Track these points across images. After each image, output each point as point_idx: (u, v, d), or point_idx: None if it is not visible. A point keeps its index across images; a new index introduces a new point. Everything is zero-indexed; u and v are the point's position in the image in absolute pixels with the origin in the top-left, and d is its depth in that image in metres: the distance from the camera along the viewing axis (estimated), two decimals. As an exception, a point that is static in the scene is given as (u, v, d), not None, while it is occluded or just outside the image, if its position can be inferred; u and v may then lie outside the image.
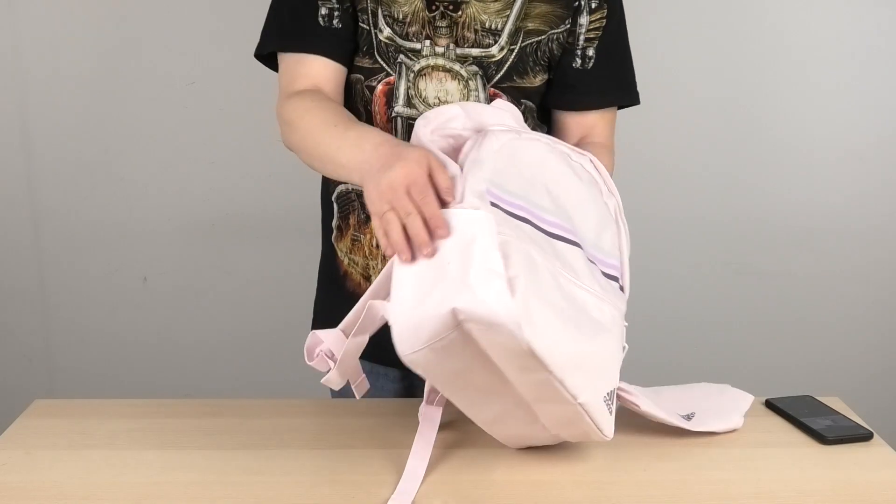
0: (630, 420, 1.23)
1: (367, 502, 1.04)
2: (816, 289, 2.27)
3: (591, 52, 1.33)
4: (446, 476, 1.08)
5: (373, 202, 1.02)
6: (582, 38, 1.32)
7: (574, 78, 1.33)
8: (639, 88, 1.37)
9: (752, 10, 2.14)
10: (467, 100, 1.29)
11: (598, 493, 1.06)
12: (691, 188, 2.20)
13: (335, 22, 1.27)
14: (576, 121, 1.35)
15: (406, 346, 0.95)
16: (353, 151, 1.10)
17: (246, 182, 2.16)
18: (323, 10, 1.27)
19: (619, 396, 1.12)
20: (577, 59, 1.32)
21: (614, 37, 1.34)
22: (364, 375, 1.10)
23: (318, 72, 1.27)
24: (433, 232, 0.97)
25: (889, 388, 2.30)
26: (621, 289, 1.12)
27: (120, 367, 2.24)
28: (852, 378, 2.25)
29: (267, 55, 1.32)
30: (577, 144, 1.29)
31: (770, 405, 1.29)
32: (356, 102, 1.32)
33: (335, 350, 1.04)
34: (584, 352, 1.00)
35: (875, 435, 1.20)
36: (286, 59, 1.28)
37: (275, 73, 1.32)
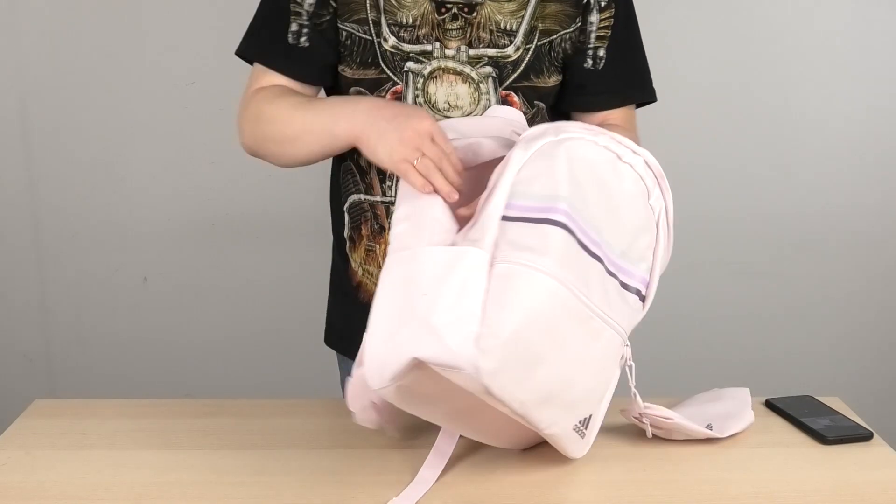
0: (630, 420, 1.23)
1: (368, 502, 1.04)
2: (817, 289, 2.27)
3: (602, 51, 1.32)
4: (446, 476, 1.08)
5: (396, 150, 1.08)
6: (593, 36, 1.31)
7: (586, 78, 1.32)
8: None
9: (752, 11, 2.14)
10: (478, 103, 1.28)
11: (598, 493, 1.06)
12: (691, 188, 2.20)
13: (303, 40, 1.28)
14: (594, 122, 1.33)
15: (374, 383, 0.97)
16: (346, 115, 1.16)
17: (246, 182, 2.16)
18: (293, 27, 1.27)
19: (650, 416, 1.13)
20: (589, 59, 1.32)
21: (625, 34, 1.33)
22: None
23: (284, 85, 1.30)
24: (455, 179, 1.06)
25: (889, 388, 2.30)
26: (642, 299, 1.09)
27: (120, 367, 2.24)
28: (852, 378, 2.25)
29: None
30: None
31: (770, 405, 1.29)
32: None
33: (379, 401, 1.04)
34: (553, 390, 1.00)
35: (875, 435, 1.20)
36: (255, 67, 1.32)
37: None
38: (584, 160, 1.05)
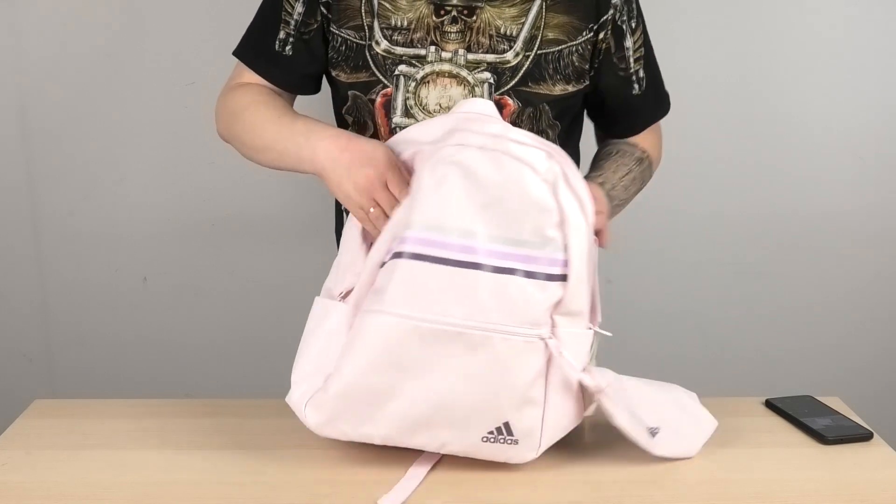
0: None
1: (368, 502, 1.04)
2: (817, 289, 2.27)
3: (641, 72, 1.37)
4: (446, 476, 1.08)
5: (351, 197, 1.13)
6: (632, 61, 1.34)
7: (634, 105, 1.38)
8: None
9: (752, 12, 2.14)
10: None
11: (598, 493, 1.06)
12: (691, 188, 2.20)
13: (287, 49, 1.32)
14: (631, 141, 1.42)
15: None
16: (307, 143, 1.19)
17: (246, 182, 2.16)
18: (281, 34, 1.31)
19: (600, 402, 1.10)
20: (635, 85, 1.36)
21: (648, 49, 1.38)
22: None
23: (264, 86, 1.35)
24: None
25: (889, 388, 2.30)
26: (563, 278, 1.05)
27: (120, 367, 2.24)
28: (852, 378, 2.25)
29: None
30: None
31: (770, 405, 1.29)
32: (363, 116, 1.32)
33: None
34: (424, 414, 1.06)
35: (875, 435, 1.20)
36: (240, 67, 1.37)
37: None
38: (448, 170, 1.05)
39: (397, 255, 1.05)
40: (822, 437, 1.19)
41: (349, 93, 1.31)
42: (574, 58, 1.30)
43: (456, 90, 1.28)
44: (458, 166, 1.05)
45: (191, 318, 2.24)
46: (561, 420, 1.09)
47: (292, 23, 1.30)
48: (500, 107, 1.28)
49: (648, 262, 2.22)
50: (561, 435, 1.11)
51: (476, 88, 1.28)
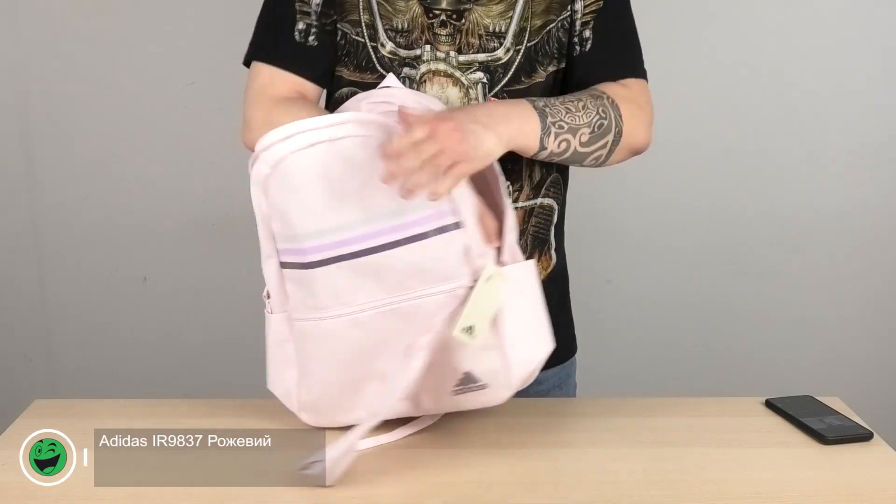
0: (629, 420, 1.23)
1: (368, 502, 1.04)
2: (817, 289, 2.27)
3: (587, 33, 1.30)
4: (446, 476, 1.08)
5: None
6: (578, 24, 1.30)
7: (577, 65, 1.30)
8: None
9: (752, 11, 2.14)
10: None
11: (599, 493, 1.06)
12: (691, 188, 2.20)
13: (311, 39, 1.28)
14: None
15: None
16: None
17: (246, 182, 2.15)
18: (300, 25, 1.27)
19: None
20: (577, 46, 1.30)
21: (614, 16, 1.31)
22: None
23: (291, 87, 1.28)
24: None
25: (889, 388, 2.30)
26: (457, 226, 1.06)
27: (120, 367, 2.24)
28: (852, 378, 2.25)
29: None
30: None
31: (770, 405, 1.29)
32: None
33: None
34: (394, 387, 1.08)
35: (875, 435, 1.20)
36: (261, 68, 1.29)
37: None
38: (305, 179, 1.08)
39: (303, 265, 1.10)
40: (822, 437, 1.19)
41: (345, 91, 1.31)
42: (560, 33, 1.29)
43: (453, 91, 1.27)
44: (311, 165, 1.08)
45: (191, 318, 2.24)
46: (524, 348, 1.11)
47: (312, 13, 1.27)
48: None
49: (648, 261, 2.22)
50: (538, 359, 1.12)
51: (470, 90, 1.27)
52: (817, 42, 2.15)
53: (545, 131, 1.16)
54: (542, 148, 1.17)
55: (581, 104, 1.21)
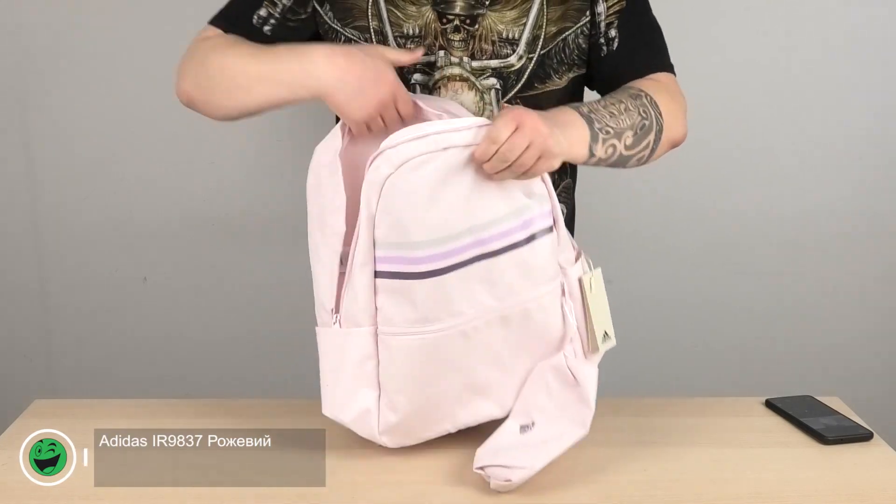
0: (629, 420, 1.23)
1: (368, 499, 1.04)
2: (817, 289, 2.27)
3: (612, 32, 1.28)
4: (446, 476, 1.08)
5: (358, 117, 1.12)
6: (602, 25, 1.29)
7: (604, 65, 1.30)
8: None
9: (751, 10, 2.14)
10: (482, 113, 1.26)
11: (598, 493, 1.06)
12: (691, 188, 2.20)
13: (266, 29, 1.26)
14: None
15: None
16: (301, 69, 1.14)
17: (246, 182, 2.16)
18: (262, 12, 1.27)
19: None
20: (603, 47, 1.29)
21: (637, 13, 1.30)
22: None
23: None
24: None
25: (889, 388, 2.30)
26: (551, 229, 1.13)
27: (120, 367, 2.24)
28: (852, 378, 2.25)
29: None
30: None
31: (770, 405, 1.29)
32: None
33: None
34: (486, 392, 1.14)
35: (875, 435, 1.20)
36: (210, 30, 1.31)
37: None
38: (428, 183, 1.06)
39: (411, 275, 1.06)
40: (822, 437, 1.19)
41: None
42: (580, 40, 1.29)
43: (467, 95, 1.26)
44: (436, 169, 1.06)
45: (191, 318, 2.24)
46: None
47: (279, 6, 1.26)
48: None
49: (648, 262, 2.21)
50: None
51: (485, 95, 1.27)
52: (818, 42, 2.15)
53: (594, 138, 1.15)
54: (591, 155, 1.15)
55: (623, 106, 1.20)
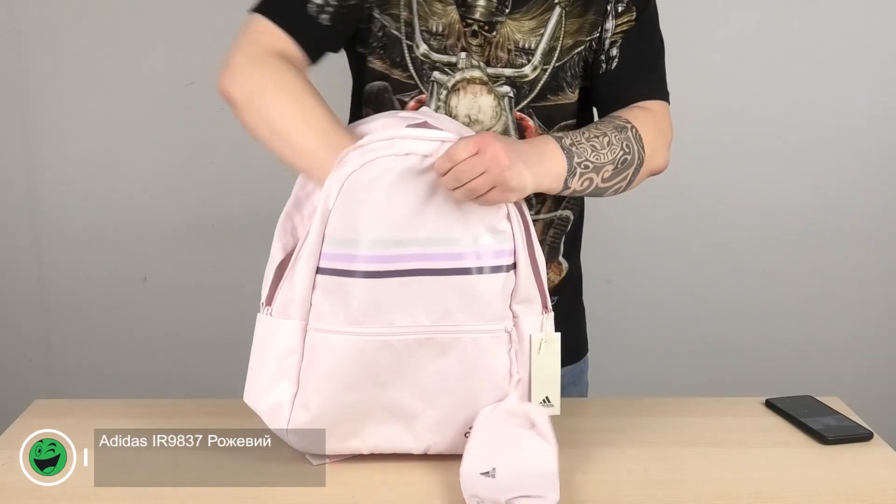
0: (630, 420, 1.23)
1: (368, 498, 1.04)
2: (817, 288, 2.27)
3: (614, 51, 1.28)
4: (446, 476, 1.08)
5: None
6: (607, 42, 1.28)
7: (600, 83, 1.29)
8: None
9: (750, 10, 2.14)
10: (498, 118, 1.25)
11: (599, 493, 1.06)
12: (691, 187, 2.20)
13: (323, 17, 1.21)
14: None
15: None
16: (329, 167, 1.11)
17: (246, 182, 2.16)
18: (318, 0, 1.20)
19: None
20: (603, 63, 1.28)
21: (642, 36, 1.29)
22: None
23: (284, 48, 1.19)
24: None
25: (889, 388, 2.30)
26: (512, 267, 1.09)
27: (120, 367, 2.24)
28: (852, 378, 2.25)
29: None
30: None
31: (770, 405, 1.29)
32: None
33: None
34: (407, 420, 1.10)
35: (875, 435, 1.20)
36: (261, 21, 1.20)
37: None
38: (396, 184, 1.05)
39: (349, 273, 1.05)
40: (822, 437, 1.19)
41: (377, 84, 1.28)
42: (587, 53, 1.28)
43: (486, 99, 1.25)
44: (394, 173, 1.06)
45: (191, 318, 2.24)
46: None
47: None
48: (522, 129, 1.26)
49: (648, 261, 2.22)
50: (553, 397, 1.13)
51: (501, 101, 1.25)
52: (818, 42, 2.15)
53: (570, 172, 1.15)
54: (566, 188, 1.16)
55: (606, 140, 1.19)
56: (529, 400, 1.11)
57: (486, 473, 1.05)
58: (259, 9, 1.21)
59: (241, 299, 2.25)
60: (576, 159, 1.15)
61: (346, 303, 1.06)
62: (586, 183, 1.17)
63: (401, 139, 1.07)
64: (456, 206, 1.06)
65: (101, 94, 2.12)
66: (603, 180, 1.19)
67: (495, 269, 1.07)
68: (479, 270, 1.07)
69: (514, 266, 1.09)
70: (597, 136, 1.19)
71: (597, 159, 1.18)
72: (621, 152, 1.20)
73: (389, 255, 1.05)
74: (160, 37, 2.10)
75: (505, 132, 1.25)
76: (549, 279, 1.30)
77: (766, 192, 2.22)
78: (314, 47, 1.22)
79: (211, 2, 2.08)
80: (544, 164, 1.12)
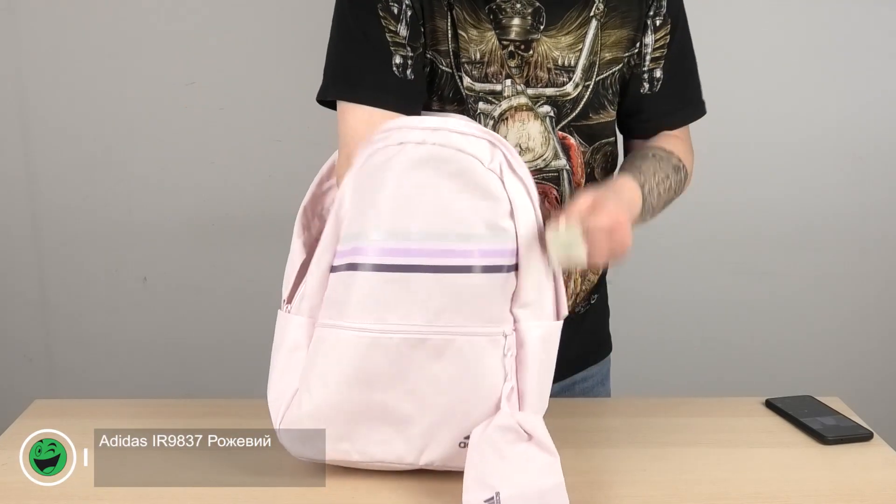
0: (629, 420, 1.23)
1: (368, 499, 1.04)
2: (816, 289, 2.27)
3: (658, 73, 1.27)
4: (446, 476, 1.08)
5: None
6: (648, 59, 1.26)
7: (643, 104, 1.27)
8: None
9: (750, 10, 2.14)
10: (547, 144, 1.22)
11: (599, 493, 1.06)
12: (690, 188, 2.19)
13: (409, 73, 1.16)
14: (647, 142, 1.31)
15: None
16: None
17: (246, 182, 2.16)
18: (397, 59, 1.16)
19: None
20: (645, 83, 1.27)
21: (681, 51, 1.29)
22: None
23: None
24: None
25: (889, 388, 2.30)
26: (515, 268, 1.03)
27: (120, 367, 2.24)
28: (852, 378, 2.25)
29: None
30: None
31: (770, 405, 1.29)
32: None
33: None
34: (399, 426, 1.05)
35: (875, 435, 1.20)
36: (353, 110, 1.16)
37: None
38: (394, 177, 1.02)
39: (352, 266, 1.03)
40: (822, 437, 1.19)
41: None
42: (625, 70, 1.25)
43: (534, 125, 1.21)
44: (403, 167, 1.02)
45: (191, 318, 2.24)
46: (531, 404, 1.06)
47: (405, 45, 1.16)
48: (566, 147, 1.23)
49: (648, 261, 2.21)
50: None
51: (545, 122, 1.22)
52: (818, 41, 2.15)
53: (642, 216, 1.18)
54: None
55: (668, 184, 1.24)
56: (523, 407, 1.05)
57: (490, 500, 0.99)
58: (341, 94, 1.17)
59: (241, 299, 2.26)
60: (646, 205, 1.19)
61: (345, 296, 1.03)
62: (640, 222, 1.20)
63: (395, 130, 1.05)
64: (450, 198, 1.02)
65: (101, 94, 2.12)
66: (650, 217, 1.24)
67: (492, 269, 1.02)
68: (474, 269, 1.01)
69: (515, 267, 1.03)
70: (663, 180, 1.23)
71: (657, 203, 1.23)
72: (674, 193, 1.27)
73: (390, 247, 1.02)
74: (160, 37, 2.10)
75: (554, 156, 1.23)
76: (588, 278, 1.31)
77: (766, 192, 2.22)
78: (415, 107, 1.18)
79: (211, 2, 2.08)
80: (633, 214, 1.15)
